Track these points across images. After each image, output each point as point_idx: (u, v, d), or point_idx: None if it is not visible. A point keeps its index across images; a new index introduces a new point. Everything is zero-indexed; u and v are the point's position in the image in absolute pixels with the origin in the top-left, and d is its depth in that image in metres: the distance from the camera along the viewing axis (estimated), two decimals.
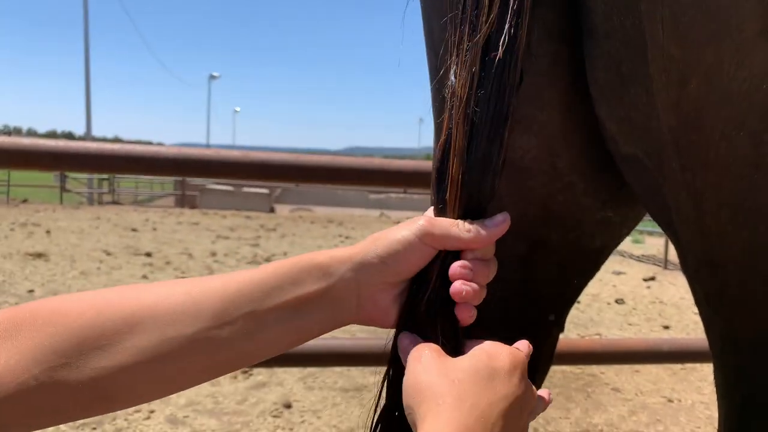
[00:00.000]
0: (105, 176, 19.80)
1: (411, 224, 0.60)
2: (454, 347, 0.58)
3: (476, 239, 0.59)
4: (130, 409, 2.93)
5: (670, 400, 3.59)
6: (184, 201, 18.76)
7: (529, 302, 0.83)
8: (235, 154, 1.47)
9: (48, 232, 9.65)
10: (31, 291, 5.53)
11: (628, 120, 0.61)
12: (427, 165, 1.47)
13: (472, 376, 0.52)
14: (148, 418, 2.97)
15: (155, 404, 3.06)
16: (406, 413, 0.53)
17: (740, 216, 0.56)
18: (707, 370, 3.83)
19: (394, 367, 0.62)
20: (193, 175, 1.54)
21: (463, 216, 0.60)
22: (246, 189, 18.24)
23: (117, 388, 0.51)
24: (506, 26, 0.57)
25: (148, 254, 8.00)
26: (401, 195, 20.36)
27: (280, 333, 0.57)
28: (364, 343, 1.65)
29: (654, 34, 0.52)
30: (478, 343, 0.57)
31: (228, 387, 3.40)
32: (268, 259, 8.13)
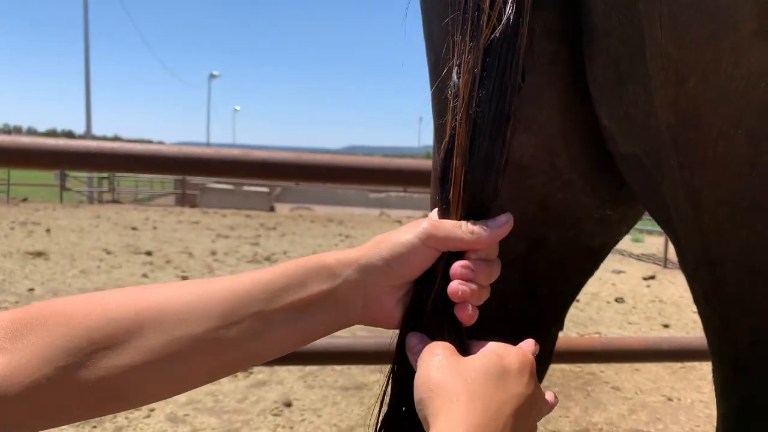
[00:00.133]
0: (105, 175, 19.81)
1: (414, 227, 0.60)
2: (460, 347, 0.59)
3: (479, 240, 0.59)
4: None
5: (669, 399, 3.60)
6: (185, 200, 18.76)
7: (529, 300, 0.83)
8: (235, 153, 1.47)
9: (48, 230, 9.65)
10: (31, 290, 5.53)
11: (627, 118, 0.62)
12: (427, 164, 1.47)
13: (484, 375, 0.52)
14: (149, 416, 2.97)
15: (155, 403, 3.07)
16: (417, 408, 0.54)
17: (738, 214, 0.56)
18: (706, 368, 3.84)
19: (400, 365, 0.62)
20: (193, 174, 1.54)
21: (467, 216, 0.60)
22: (246, 188, 18.24)
23: (127, 387, 0.51)
24: (507, 26, 0.57)
25: (149, 253, 8.00)
26: (401, 194, 20.36)
27: (286, 333, 0.58)
28: (365, 342, 1.65)
29: (652, 32, 0.53)
30: (485, 344, 0.58)
31: (228, 385, 3.41)
32: (267, 258, 8.14)
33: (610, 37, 0.59)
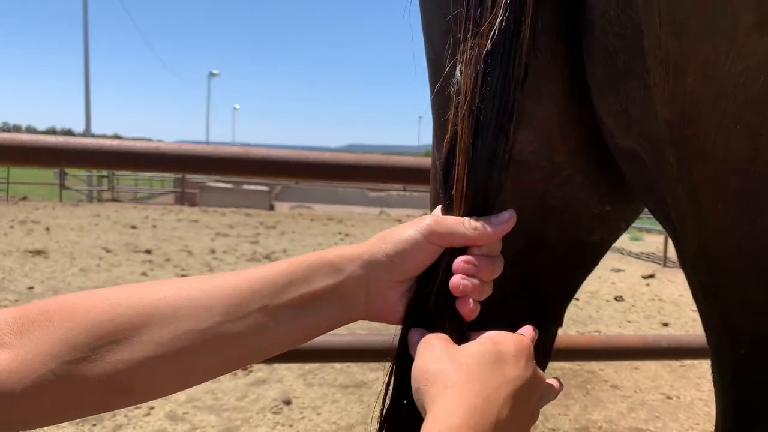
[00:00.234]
0: (104, 173, 19.80)
1: (418, 223, 0.61)
2: (460, 341, 0.59)
3: (482, 236, 0.59)
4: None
5: (668, 397, 3.60)
6: (184, 198, 18.75)
7: (528, 297, 0.83)
8: (235, 151, 1.47)
9: (47, 229, 9.65)
10: (30, 288, 5.54)
11: (625, 113, 0.62)
12: (426, 161, 1.47)
13: (479, 359, 0.53)
14: (148, 414, 2.97)
15: (155, 401, 3.07)
16: (415, 398, 0.54)
17: (736, 209, 0.56)
18: (706, 367, 3.84)
19: (402, 360, 0.63)
20: (193, 172, 1.54)
21: (470, 212, 0.61)
22: (246, 186, 18.22)
23: (134, 381, 0.51)
24: (509, 23, 0.58)
25: (148, 251, 8.00)
26: (401, 193, 20.35)
27: (290, 329, 0.58)
28: (364, 339, 1.65)
29: (651, 26, 0.53)
30: (483, 333, 0.59)
31: (228, 383, 3.41)
32: (267, 257, 8.14)
33: (609, 31, 0.59)
